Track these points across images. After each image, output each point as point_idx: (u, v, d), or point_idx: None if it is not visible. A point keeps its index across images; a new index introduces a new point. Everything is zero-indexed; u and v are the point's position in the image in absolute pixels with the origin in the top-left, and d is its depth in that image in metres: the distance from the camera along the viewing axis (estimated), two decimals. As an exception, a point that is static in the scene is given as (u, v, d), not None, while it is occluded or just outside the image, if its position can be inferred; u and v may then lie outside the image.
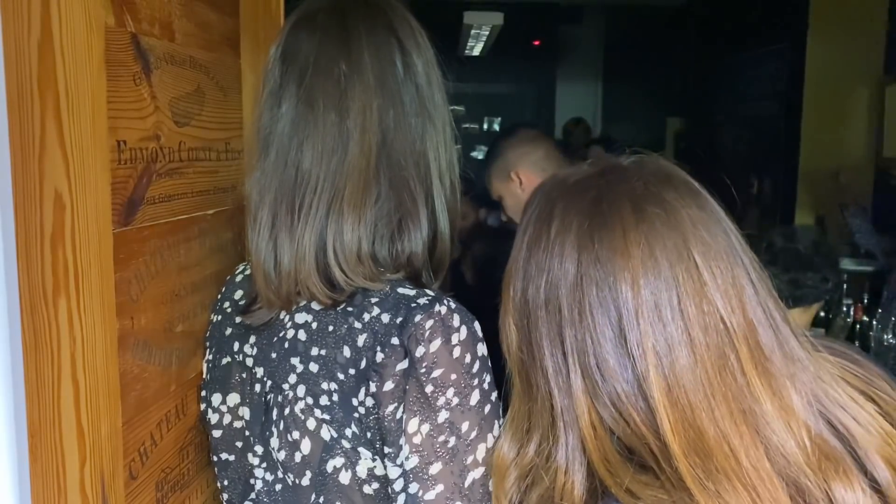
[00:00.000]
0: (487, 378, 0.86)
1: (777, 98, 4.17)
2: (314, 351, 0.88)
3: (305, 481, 0.88)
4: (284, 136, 0.90)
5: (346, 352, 0.86)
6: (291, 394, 0.89)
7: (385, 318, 0.85)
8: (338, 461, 0.86)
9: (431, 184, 0.92)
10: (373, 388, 0.83)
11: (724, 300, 0.70)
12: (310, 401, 0.88)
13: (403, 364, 0.83)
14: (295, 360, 0.89)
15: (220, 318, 1.02)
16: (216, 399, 0.99)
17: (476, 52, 5.85)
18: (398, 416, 0.83)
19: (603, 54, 6.98)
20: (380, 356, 0.83)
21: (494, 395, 0.87)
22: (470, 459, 0.83)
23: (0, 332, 0.77)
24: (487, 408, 0.85)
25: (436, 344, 0.82)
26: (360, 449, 0.85)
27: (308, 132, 0.89)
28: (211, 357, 1.01)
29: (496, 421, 0.86)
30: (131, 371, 0.88)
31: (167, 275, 0.96)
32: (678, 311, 0.69)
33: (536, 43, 6.84)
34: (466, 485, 0.83)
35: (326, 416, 0.86)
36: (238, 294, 1.01)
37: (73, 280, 0.76)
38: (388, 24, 0.92)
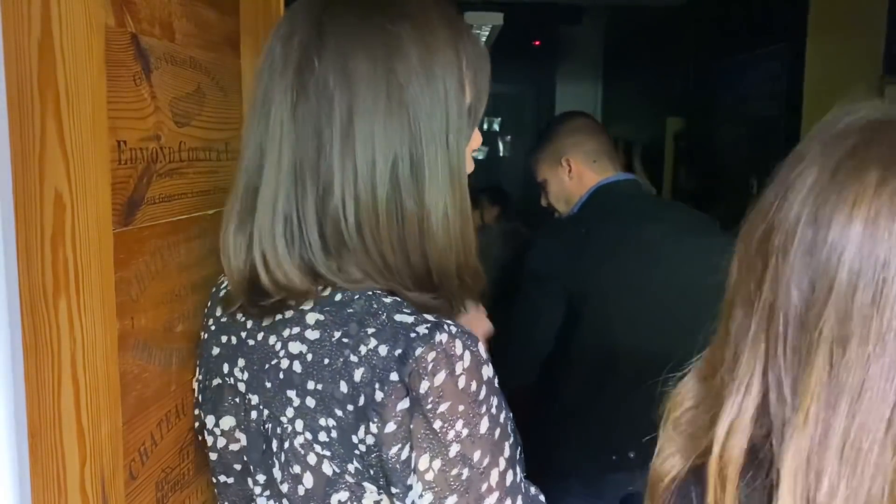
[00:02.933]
0: (495, 401, 0.83)
1: (777, 98, 4.16)
2: (310, 385, 0.84)
3: None
4: (246, 134, 0.90)
5: (343, 387, 0.82)
6: (290, 427, 0.85)
7: (383, 350, 0.81)
8: (343, 495, 0.84)
9: (334, 181, 0.85)
10: (374, 428, 0.80)
11: None
12: (309, 436, 0.84)
13: (405, 403, 0.79)
14: (291, 393, 0.85)
15: (205, 335, 0.98)
16: (210, 421, 0.96)
17: (476, 52, 5.85)
18: (403, 456, 0.80)
19: (603, 54, 6.98)
20: (379, 395, 0.80)
21: (503, 416, 0.84)
22: (484, 487, 0.81)
23: (0, 332, 0.77)
24: (497, 432, 0.83)
25: (440, 377, 0.79)
26: (365, 483, 0.83)
27: (251, 128, 0.88)
28: (201, 377, 0.98)
29: (506, 442, 0.84)
30: (131, 371, 0.88)
31: (167, 275, 0.96)
32: (875, 300, 0.61)
33: (536, 43, 6.84)
34: None
35: (327, 452, 0.83)
36: (218, 311, 0.97)
37: (73, 280, 0.76)
38: (319, 17, 0.86)
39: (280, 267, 0.85)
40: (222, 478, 0.96)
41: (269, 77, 0.87)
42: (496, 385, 0.84)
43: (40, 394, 0.77)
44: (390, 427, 0.79)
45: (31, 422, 0.78)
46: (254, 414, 0.90)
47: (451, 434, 0.79)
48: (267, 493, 0.91)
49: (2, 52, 0.74)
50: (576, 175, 2.07)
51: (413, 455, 0.80)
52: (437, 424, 0.79)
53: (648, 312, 1.93)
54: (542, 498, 0.92)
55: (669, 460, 0.73)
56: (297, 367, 0.85)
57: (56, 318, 0.77)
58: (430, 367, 0.79)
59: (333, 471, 0.83)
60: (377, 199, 0.84)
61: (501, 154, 7.58)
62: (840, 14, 3.73)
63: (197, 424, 0.99)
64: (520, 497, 0.85)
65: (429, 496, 0.80)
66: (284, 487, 0.87)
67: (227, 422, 0.94)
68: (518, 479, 0.85)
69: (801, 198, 0.65)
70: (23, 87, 0.74)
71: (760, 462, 0.67)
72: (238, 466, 0.94)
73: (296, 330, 0.86)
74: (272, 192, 0.86)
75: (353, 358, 0.82)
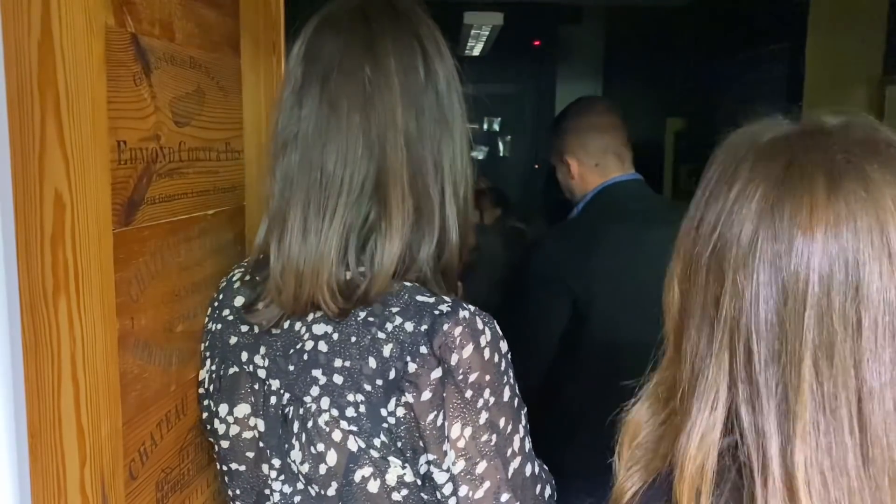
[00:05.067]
0: (511, 372, 0.90)
1: (777, 98, 4.16)
2: (337, 362, 0.87)
3: (331, 492, 0.88)
4: (308, 138, 0.90)
5: (372, 362, 0.86)
6: (314, 406, 0.88)
7: (409, 326, 0.85)
8: (366, 471, 0.86)
9: (444, 191, 0.92)
10: (408, 398, 0.84)
11: None
12: (335, 412, 0.87)
13: (437, 372, 0.84)
14: (317, 372, 0.88)
15: (220, 326, 1.00)
16: (223, 409, 0.97)
17: (476, 52, 5.85)
18: (438, 423, 0.84)
19: (603, 54, 6.97)
20: (412, 366, 0.84)
21: (517, 387, 0.91)
22: (509, 451, 0.88)
23: (0, 332, 0.77)
24: (516, 400, 0.90)
25: (468, 350, 0.84)
26: (390, 458, 0.86)
27: (331, 135, 0.89)
28: (214, 367, 0.99)
29: (522, 412, 0.91)
30: (131, 371, 0.88)
31: (167, 275, 0.96)
32: (853, 299, 0.62)
33: (536, 43, 6.84)
34: (510, 475, 0.88)
35: (353, 428, 0.86)
36: (239, 301, 0.98)
37: (73, 280, 0.76)
38: (413, 30, 0.92)
39: (382, 282, 0.88)
40: (234, 465, 0.98)
41: (375, 90, 0.89)
42: (510, 359, 0.90)
43: (40, 394, 0.77)
44: (426, 395, 0.84)
45: (31, 422, 0.78)
46: (273, 399, 0.93)
47: (481, 402, 0.85)
48: (282, 477, 0.93)
49: (2, 52, 0.74)
50: (577, 175, 2.03)
51: (446, 423, 0.84)
52: (468, 394, 0.84)
53: (653, 316, 1.92)
54: (546, 467, 0.98)
55: (632, 478, 0.75)
56: (322, 346, 0.89)
57: (56, 318, 0.77)
58: (457, 341, 0.84)
59: (359, 446, 0.86)
60: (461, 217, 0.93)
61: (501, 154, 7.58)
62: (840, 14, 3.73)
63: (206, 415, 1.00)
64: (536, 463, 0.93)
65: (461, 463, 0.85)
66: (305, 468, 0.89)
67: (243, 409, 0.96)
68: (531, 447, 0.93)
69: (752, 214, 0.66)
70: (23, 87, 0.74)
71: (725, 472, 0.67)
72: (251, 454, 0.96)
73: (319, 313, 0.90)
74: (398, 209, 0.88)
75: (381, 335, 0.86)
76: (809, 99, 3.83)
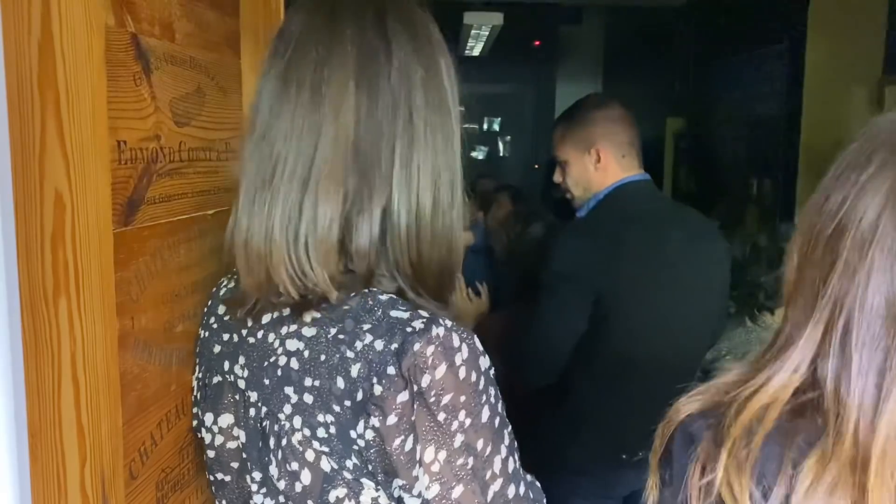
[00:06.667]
0: (493, 391, 0.85)
1: (777, 98, 4.17)
2: (308, 381, 0.85)
3: None
4: (265, 115, 0.88)
5: (340, 383, 0.83)
6: (288, 424, 0.86)
7: (378, 345, 0.81)
8: (340, 491, 0.84)
9: (393, 183, 0.87)
10: (374, 422, 0.81)
11: None
12: (307, 432, 0.85)
13: (404, 396, 0.80)
14: (289, 390, 0.86)
15: (206, 333, 0.99)
16: (208, 419, 0.96)
17: (476, 52, 5.85)
18: (407, 447, 0.81)
19: (603, 54, 6.97)
20: (378, 388, 0.80)
21: (500, 405, 0.86)
22: (489, 474, 0.83)
23: (0, 332, 0.77)
24: (497, 420, 0.85)
25: (441, 370, 0.80)
26: (363, 480, 0.83)
27: (282, 111, 0.87)
28: (201, 375, 0.98)
29: (505, 430, 0.86)
30: (131, 371, 0.88)
31: (167, 275, 0.96)
32: None
33: (536, 43, 6.84)
34: (489, 500, 0.83)
35: (325, 448, 0.84)
36: (221, 309, 0.97)
37: (73, 280, 0.76)
38: (380, 13, 0.88)
39: (323, 267, 0.85)
40: (220, 475, 0.97)
41: (326, 67, 0.86)
42: (492, 376, 0.85)
43: (40, 394, 0.77)
44: (391, 419, 0.80)
45: (31, 422, 0.78)
46: (252, 411, 0.91)
47: (455, 424, 0.80)
48: (263, 490, 0.91)
49: (2, 52, 0.74)
50: (602, 167, 2.01)
51: (418, 447, 0.80)
52: (441, 416, 0.80)
53: (668, 316, 1.93)
54: (538, 484, 0.94)
55: (691, 403, 0.77)
56: (294, 363, 0.86)
57: (56, 318, 0.77)
58: (429, 360, 0.80)
59: (332, 467, 0.84)
60: (421, 210, 0.88)
61: (501, 154, 7.58)
62: (840, 14, 3.73)
63: (195, 423, 1.00)
64: (522, 483, 0.87)
65: (436, 487, 0.81)
66: (281, 484, 0.87)
67: (226, 419, 0.94)
68: (517, 466, 0.87)
69: (878, 201, 0.67)
70: (23, 87, 0.74)
71: (798, 416, 0.70)
72: (236, 464, 0.95)
73: (293, 327, 0.87)
74: (332, 190, 0.85)
75: (350, 354, 0.82)
76: (809, 99, 3.83)
